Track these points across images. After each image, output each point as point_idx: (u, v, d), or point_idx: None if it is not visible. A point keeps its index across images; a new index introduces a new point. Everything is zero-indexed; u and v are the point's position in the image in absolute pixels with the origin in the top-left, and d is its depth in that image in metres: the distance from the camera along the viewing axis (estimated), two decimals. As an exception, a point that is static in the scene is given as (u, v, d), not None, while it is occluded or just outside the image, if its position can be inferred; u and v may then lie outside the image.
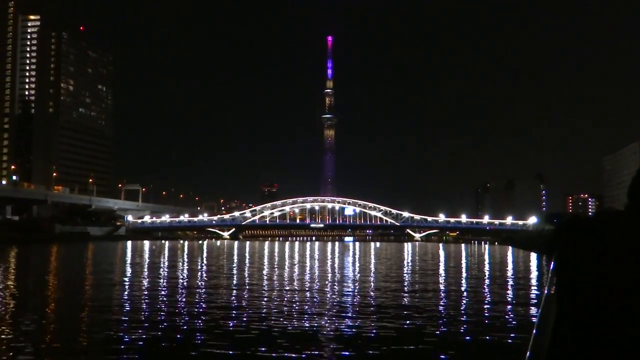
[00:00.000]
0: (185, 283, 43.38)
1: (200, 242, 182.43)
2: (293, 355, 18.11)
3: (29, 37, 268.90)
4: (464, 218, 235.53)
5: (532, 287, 42.34)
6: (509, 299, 34.76)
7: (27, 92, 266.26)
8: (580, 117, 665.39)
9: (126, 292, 36.45)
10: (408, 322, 24.63)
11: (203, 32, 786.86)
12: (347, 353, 18.57)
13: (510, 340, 20.48)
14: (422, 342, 19.91)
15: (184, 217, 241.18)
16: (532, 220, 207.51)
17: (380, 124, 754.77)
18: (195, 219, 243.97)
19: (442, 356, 18.23)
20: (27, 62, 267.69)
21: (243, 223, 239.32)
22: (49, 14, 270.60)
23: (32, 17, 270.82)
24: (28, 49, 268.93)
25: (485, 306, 30.76)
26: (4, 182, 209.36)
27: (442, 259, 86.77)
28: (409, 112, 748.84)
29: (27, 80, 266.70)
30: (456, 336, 21.51)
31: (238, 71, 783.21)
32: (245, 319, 24.96)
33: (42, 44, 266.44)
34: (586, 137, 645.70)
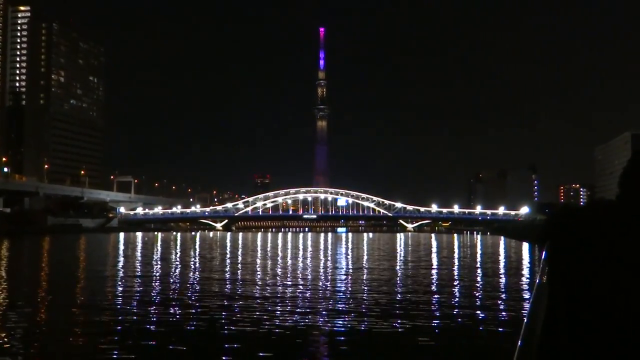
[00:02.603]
0: (177, 274, 43.39)
1: (193, 233, 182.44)
2: (290, 345, 18.19)
3: (19, 28, 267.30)
4: (456, 208, 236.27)
5: (524, 277, 42.56)
6: (501, 289, 34.93)
7: (17, 84, 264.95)
8: (571, 108, 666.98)
9: (119, 284, 36.43)
10: (401, 313, 24.77)
11: (194, 23, 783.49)
12: (342, 342, 18.66)
13: (501, 329, 20.63)
14: (414, 332, 20.01)
15: (177, 209, 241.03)
16: (524, 210, 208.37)
17: (372, 115, 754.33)
18: (188, 210, 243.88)
19: (435, 344, 18.34)
20: (18, 53, 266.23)
21: (236, 214, 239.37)
22: (39, 5, 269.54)
23: (22, 8, 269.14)
24: (18, 41, 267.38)
25: (477, 296, 30.91)
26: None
27: (434, 249, 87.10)
28: (402, 103, 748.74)
29: (17, 71, 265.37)
30: (448, 325, 21.62)
31: (230, 63, 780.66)
32: (237, 310, 25.02)
33: (32, 36, 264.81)
34: (578, 128, 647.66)
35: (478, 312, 25.12)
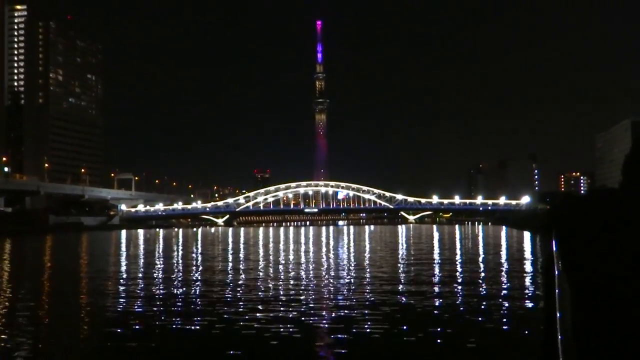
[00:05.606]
0: (180, 270, 43.38)
1: (194, 229, 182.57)
2: (292, 338, 18.20)
3: (16, 27, 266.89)
4: (457, 199, 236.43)
5: (526, 265, 42.53)
6: (506, 278, 34.86)
7: (16, 83, 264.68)
8: (571, 96, 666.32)
9: (122, 282, 36.41)
10: (405, 311, 24.78)
11: (192, 18, 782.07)
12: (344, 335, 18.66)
13: (508, 319, 20.59)
14: (422, 326, 20.02)
15: (178, 205, 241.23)
16: (525, 199, 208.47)
17: (372, 108, 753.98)
18: (189, 206, 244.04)
19: (441, 331, 18.34)
20: (15, 52, 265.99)
21: (237, 209, 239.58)
22: (35, 4, 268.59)
23: (18, 7, 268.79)
24: (16, 40, 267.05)
25: (485, 287, 30.85)
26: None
27: (436, 241, 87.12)
28: (402, 95, 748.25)
29: (15, 71, 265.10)
30: (456, 314, 21.62)
31: (228, 58, 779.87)
32: (241, 306, 25.03)
33: (29, 34, 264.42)
34: (578, 116, 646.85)
35: (488, 302, 25.08)
